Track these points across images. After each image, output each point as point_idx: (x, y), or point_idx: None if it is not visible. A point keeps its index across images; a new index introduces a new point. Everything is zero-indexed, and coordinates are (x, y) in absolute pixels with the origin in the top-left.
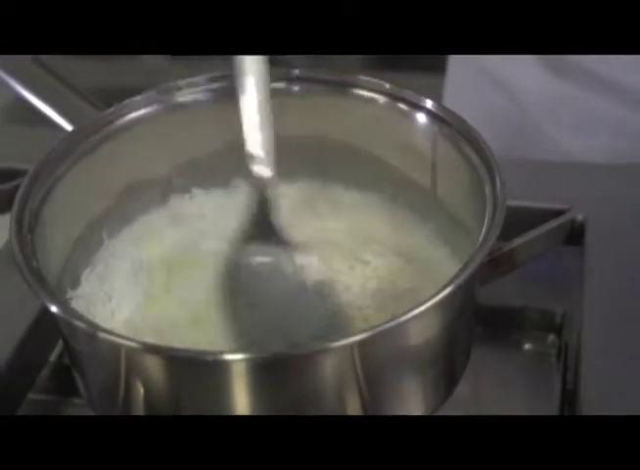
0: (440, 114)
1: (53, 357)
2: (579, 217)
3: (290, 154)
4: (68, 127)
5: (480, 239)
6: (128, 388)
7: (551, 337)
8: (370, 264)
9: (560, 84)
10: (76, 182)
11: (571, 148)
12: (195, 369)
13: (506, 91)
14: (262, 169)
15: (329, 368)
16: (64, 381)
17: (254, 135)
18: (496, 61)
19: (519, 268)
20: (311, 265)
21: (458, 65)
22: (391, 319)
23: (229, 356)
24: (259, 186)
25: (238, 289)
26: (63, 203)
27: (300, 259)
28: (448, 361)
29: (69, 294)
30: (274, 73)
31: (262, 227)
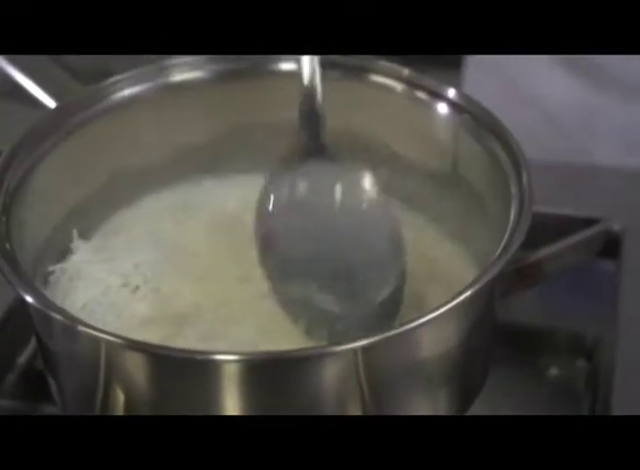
0: (463, 104)
1: (22, 360)
2: (615, 227)
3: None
4: (52, 104)
5: (502, 244)
6: (109, 391)
7: (580, 362)
8: None
9: (594, 95)
10: (58, 164)
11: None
12: (185, 370)
13: (534, 103)
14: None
15: (328, 376)
16: (34, 386)
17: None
18: (521, 69)
19: (545, 282)
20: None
21: (476, 71)
22: (399, 326)
23: (221, 357)
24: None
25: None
26: (42, 186)
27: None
28: (461, 378)
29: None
30: (286, 59)
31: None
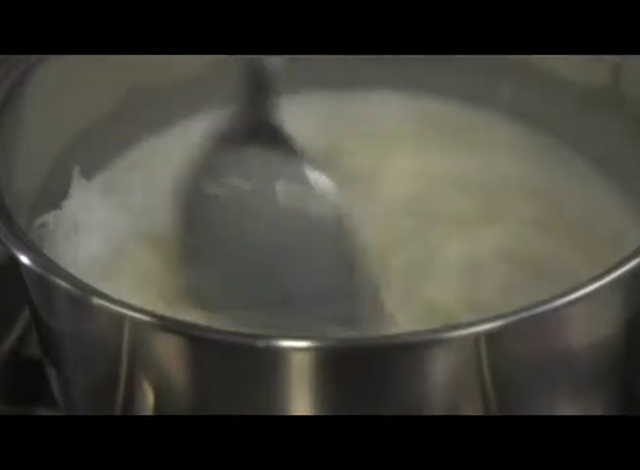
0: None
1: (6, 347)
2: None
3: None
4: None
5: None
6: (134, 388)
7: None
8: (498, 223)
9: None
10: (59, 75)
11: None
12: (240, 360)
13: None
14: None
15: (438, 372)
16: (24, 382)
17: None
18: None
19: None
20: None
21: None
22: (536, 305)
23: (287, 343)
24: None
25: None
26: (35, 106)
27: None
28: (627, 375)
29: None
30: None
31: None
